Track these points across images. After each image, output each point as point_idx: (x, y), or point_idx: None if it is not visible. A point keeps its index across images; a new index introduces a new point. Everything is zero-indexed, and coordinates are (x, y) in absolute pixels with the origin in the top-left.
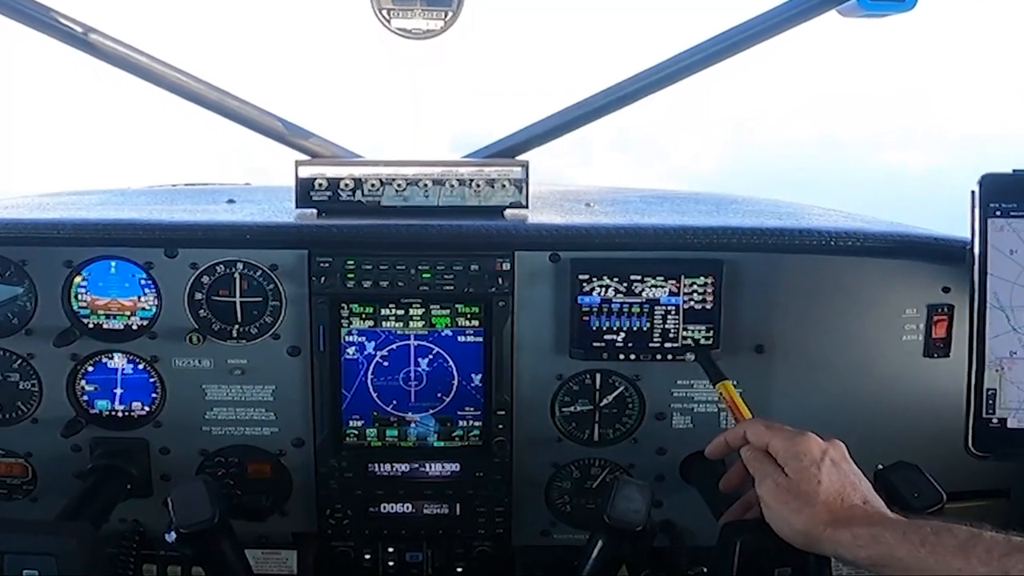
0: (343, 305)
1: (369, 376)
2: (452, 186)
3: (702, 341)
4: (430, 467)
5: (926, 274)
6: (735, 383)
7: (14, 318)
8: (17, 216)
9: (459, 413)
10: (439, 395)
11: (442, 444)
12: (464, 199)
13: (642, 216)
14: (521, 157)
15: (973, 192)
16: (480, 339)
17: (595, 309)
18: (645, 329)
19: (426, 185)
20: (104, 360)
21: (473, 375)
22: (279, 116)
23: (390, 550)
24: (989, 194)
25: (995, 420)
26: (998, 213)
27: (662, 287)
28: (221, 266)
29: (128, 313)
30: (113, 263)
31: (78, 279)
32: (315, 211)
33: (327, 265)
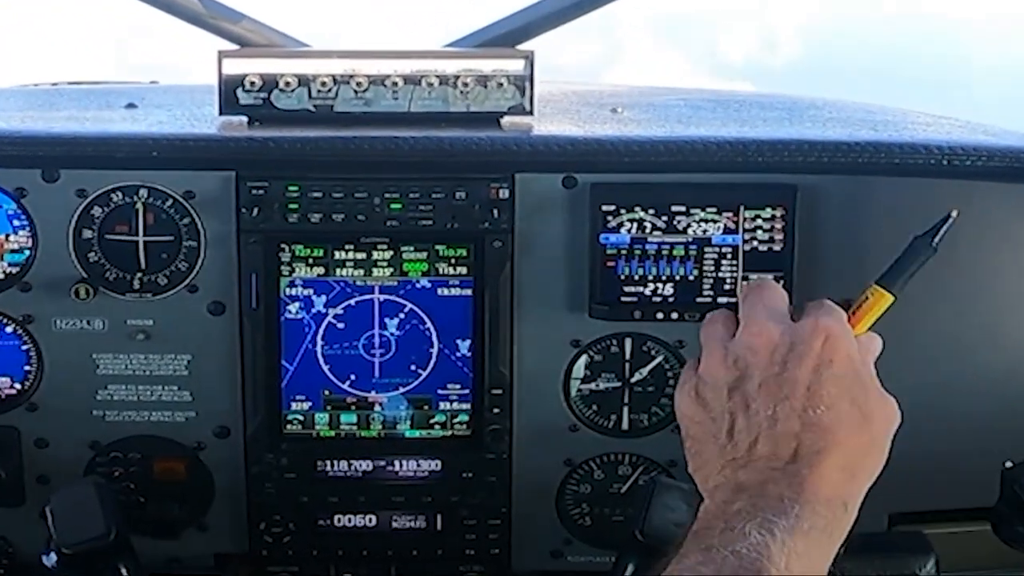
0: (283, 246)
1: (318, 342)
2: (431, 85)
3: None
4: (401, 465)
5: None
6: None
7: None
8: None
9: (440, 392)
10: (413, 368)
11: (417, 434)
12: (447, 103)
13: (687, 126)
14: (524, 46)
15: None
16: (468, 292)
17: (624, 251)
18: (692, 278)
19: (395, 84)
20: None
21: (459, 341)
22: None
23: None
24: None
25: None
26: None
27: (715, 222)
28: (118, 194)
29: None
30: None
31: None
32: (245, 119)
33: (261, 192)
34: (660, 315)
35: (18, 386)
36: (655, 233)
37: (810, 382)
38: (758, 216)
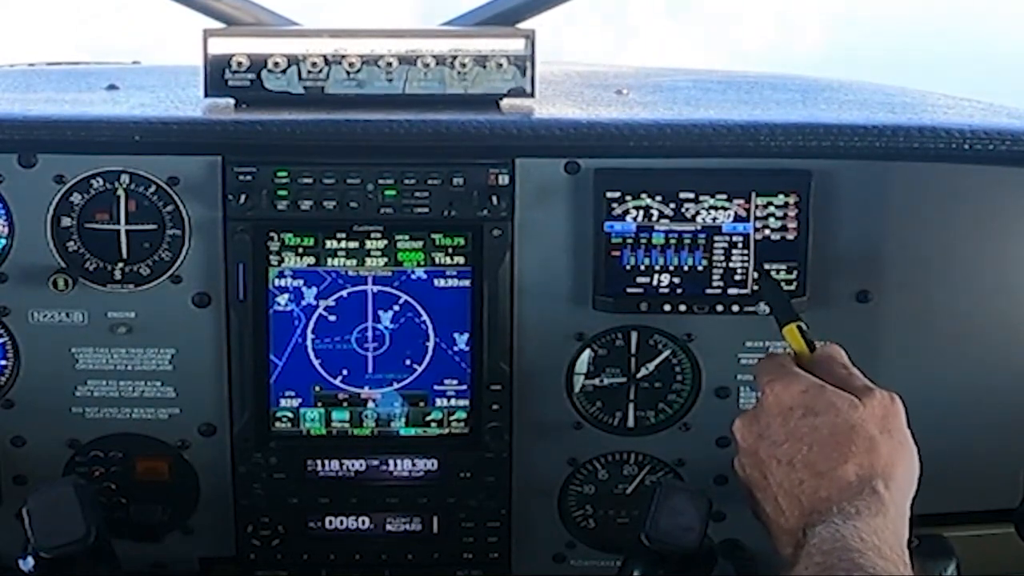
0: (272, 235)
1: (309, 336)
2: (426, 66)
3: (782, 285)
4: (396, 465)
5: None
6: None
7: None
8: None
9: (437, 388)
10: (408, 363)
11: (413, 432)
12: (443, 85)
13: (696, 108)
14: (524, 25)
15: None
16: (466, 283)
17: (630, 240)
18: (701, 269)
19: (389, 65)
20: None
21: (456, 335)
22: None
23: None
24: None
25: None
26: None
27: (725, 209)
28: (99, 180)
29: None
30: None
31: None
32: (232, 101)
33: (249, 178)
34: (667, 307)
35: None
36: (662, 221)
37: (787, 435)
38: (770, 203)
